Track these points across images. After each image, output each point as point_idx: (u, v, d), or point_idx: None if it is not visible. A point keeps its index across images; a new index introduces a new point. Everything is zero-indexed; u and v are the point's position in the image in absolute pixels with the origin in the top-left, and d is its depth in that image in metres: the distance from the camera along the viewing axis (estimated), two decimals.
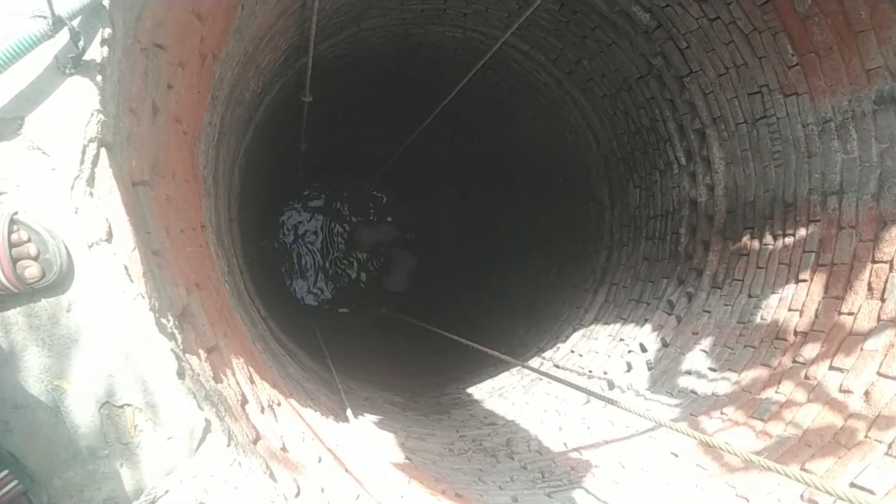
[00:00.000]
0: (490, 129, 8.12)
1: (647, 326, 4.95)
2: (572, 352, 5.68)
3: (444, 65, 6.77)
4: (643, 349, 4.82)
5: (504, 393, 5.65)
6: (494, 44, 5.74)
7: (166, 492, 1.48)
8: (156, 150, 2.13)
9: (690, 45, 4.39)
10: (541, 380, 5.45)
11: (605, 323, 5.58)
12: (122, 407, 1.53)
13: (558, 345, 5.96)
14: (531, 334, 6.71)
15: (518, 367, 5.84)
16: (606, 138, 5.86)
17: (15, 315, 1.51)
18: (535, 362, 5.98)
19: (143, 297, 1.55)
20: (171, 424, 1.54)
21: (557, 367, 5.62)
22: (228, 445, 1.60)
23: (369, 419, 4.38)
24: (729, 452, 2.17)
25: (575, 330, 5.90)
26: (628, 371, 4.79)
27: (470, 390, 6.04)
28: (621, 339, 5.15)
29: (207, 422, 1.57)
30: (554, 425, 4.52)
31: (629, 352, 4.94)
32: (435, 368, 7.50)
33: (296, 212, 11.44)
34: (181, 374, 1.56)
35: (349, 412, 3.94)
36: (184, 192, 2.52)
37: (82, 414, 1.53)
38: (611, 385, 4.76)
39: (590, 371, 5.15)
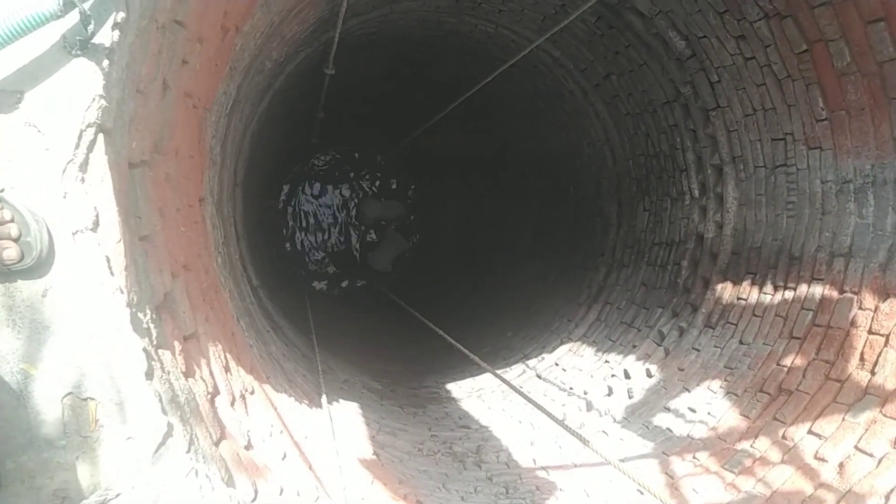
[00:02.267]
0: (508, 128, 8.04)
1: (635, 353, 4.92)
2: (556, 364, 5.66)
3: (472, 57, 6.67)
4: (627, 376, 4.80)
5: (482, 395, 5.63)
6: (525, 43, 5.64)
7: (117, 495, 1.46)
8: (161, 128, 2.08)
9: (722, 80, 4.31)
10: (521, 387, 5.44)
11: (594, 342, 5.55)
12: (85, 400, 1.50)
13: (544, 355, 5.94)
14: (519, 338, 6.69)
15: (500, 371, 5.83)
16: (623, 157, 5.79)
17: None
18: (518, 368, 5.96)
19: (122, 292, 1.52)
20: (132, 425, 1.51)
21: (539, 377, 5.61)
22: (188, 451, 1.57)
23: (344, 406, 4.37)
24: None
25: (562, 343, 5.88)
26: (609, 395, 4.77)
27: (449, 386, 6.03)
28: (606, 362, 5.13)
29: (170, 426, 1.54)
30: (526, 438, 4.51)
31: (612, 376, 4.92)
32: (418, 356, 7.49)
33: (305, 176, 11.36)
34: (149, 374, 1.53)
35: (324, 399, 3.92)
36: (185, 169, 2.47)
37: (44, 401, 1.50)
38: (589, 406, 4.74)
39: (570, 388, 5.14)
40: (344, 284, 11.41)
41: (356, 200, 11.59)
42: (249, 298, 4.34)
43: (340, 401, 4.42)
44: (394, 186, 11.86)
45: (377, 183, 11.77)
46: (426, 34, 6.38)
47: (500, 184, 9.12)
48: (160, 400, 1.53)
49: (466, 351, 4.56)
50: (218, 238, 3.39)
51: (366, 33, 6.01)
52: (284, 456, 2.49)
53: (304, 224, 11.36)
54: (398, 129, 9.83)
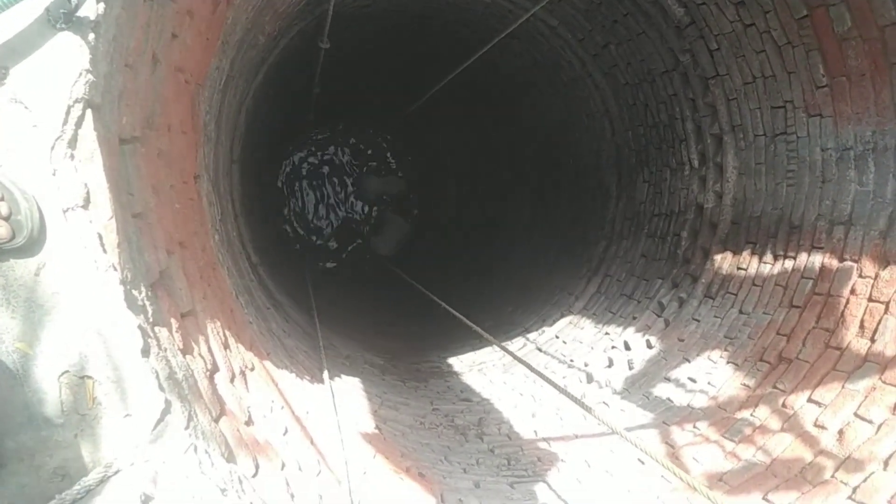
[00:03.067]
0: (507, 99, 7.96)
1: (635, 325, 4.93)
2: (557, 337, 5.68)
3: (468, 27, 6.59)
4: (627, 347, 4.81)
5: (483, 369, 5.66)
6: (522, 13, 5.57)
7: (117, 472, 1.46)
8: (152, 103, 2.06)
9: (721, 48, 4.25)
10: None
11: (594, 314, 5.56)
12: (82, 378, 1.50)
13: (544, 328, 5.95)
14: (519, 313, 6.70)
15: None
16: (622, 128, 5.74)
17: None
18: (519, 342, 5.98)
19: (115, 269, 1.50)
20: (130, 402, 1.51)
21: (540, 350, 5.62)
22: (187, 428, 1.57)
23: (346, 381, 4.38)
24: (680, 479, 2.14)
25: (563, 316, 5.88)
26: (609, 367, 4.78)
27: (451, 360, 6.05)
28: (607, 334, 5.14)
29: (168, 403, 1.54)
30: (528, 411, 4.54)
31: (612, 347, 4.93)
32: (419, 332, 7.51)
33: (302, 152, 11.29)
34: (146, 351, 1.52)
35: (326, 374, 3.93)
36: (179, 145, 2.45)
37: (41, 380, 1.49)
38: (589, 378, 4.76)
39: (571, 360, 5.15)
40: (345, 259, 11.40)
41: (355, 176, 11.53)
42: (249, 276, 4.33)
43: (342, 376, 4.44)
44: (393, 163, 11.79)
45: (376, 159, 11.70)
46: (423, 5, 6.29)
47: (498, 158, 9.06)
48: (157, 377, 1.53)
49: (470, 323, 4.56)
50: (215, 215, 3.37)
51: (361, 6, 5.93)
52: (286, 431, 2.49)
53: (303, 201, 11.32)
54: (395, 104, 9.75)
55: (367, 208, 11.60)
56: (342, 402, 3.74)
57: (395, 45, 7.95)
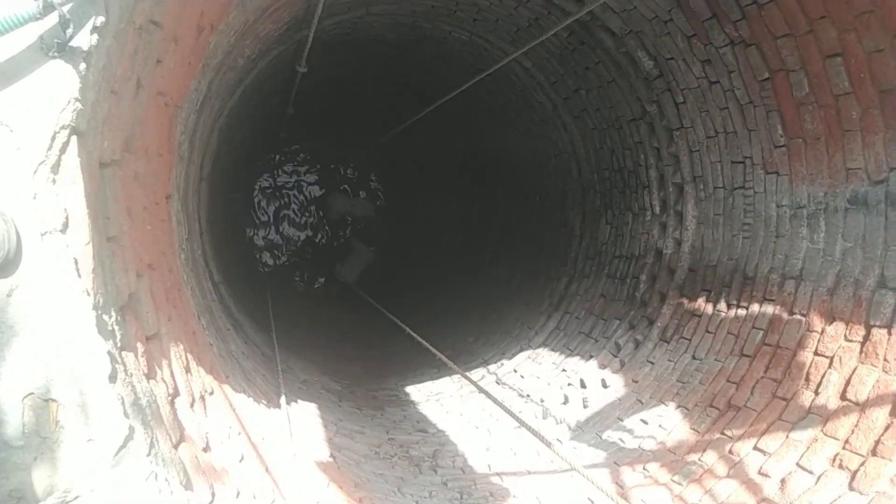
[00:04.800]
0: (478, 133, 8.10)
1: (591, 363, 5.02)
2: (515, 371, 5.74)
3: (446, 63, 6.72)
4: (583, 385, 4.90)
5: (441, 399, 5.68)
6: (499, 53, 5.73)
7: (76, 497, 1.46)
8: (132, 126, 2.08)
9: (686, 101, 4.43)
10: (478, 393, 5.50)
11: (552, 349, 5.64)
12: (46, 401, 1.50)
13: (503, 360, 6.01)
14: (479, 343, 6.76)
15: (459, 375, 5.88)
16: (589, 169, 5.89)
17: None
18: (478, 373, 6.02)
19: (88, 294, 1.52)
20: (93, 427, 1.51)
21: (498, 383, 5.68)
22: (148, 454, 1.58)
23: (303, 407, 4.37)
24: None
25: (522, 350, 5.96)
26: (564, 403, 4.86)
27: (408, 389, 6.06)
28: (564, 370, 5.22)
29: (131, 429, 1.55)
30: (482, 444, 4.57)
31: (569, 384, 5.01)
32: (378, 357, 7.50)
33: (272, 170, 11.26)
34: (113, 377, 1.53)
35: (283, 399, 3.92)
36: (154, 167, 2.46)
37: (5, 400, 1.49)
38: (545, 414, 4.82)
39: (528, 395, 5.21)
40: (307, 280, 11.34)
41: (322, 194, 11.52)
42: (211, 295, 4.32)
43: (299, 401, 4.42)
44: (360, 187, 11.83)
45: (345, 181, 11.73)
46: (401, 37, 6.40)
47: (468, 188, 9.18)
48: (122, 403, 1.54)
49: (435, 351, 4.58)
50: (182, 234, 3.37)
51: (340, 33, 6.01)
52: (242, 458, 2.49)
53: (268, 218, 11.27)
54: (369, 129, 9.83)
55: (331, 230, 11.58)
56: (298, 428, 3.73)
57: (373, 74, 8.05)
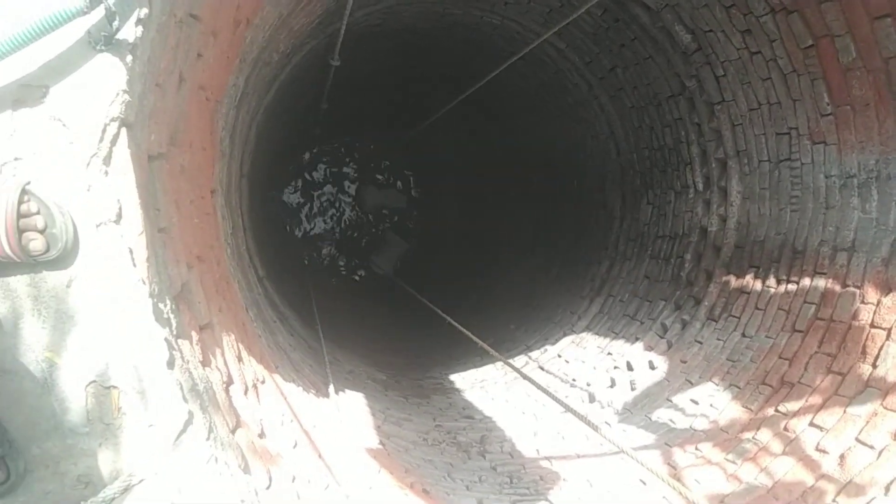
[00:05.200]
0: (512, 119, 8.05)
1: (637, 345, 4.96)
2: (559, 356, 5.71)
3: (477, 48, 6.68)
4: (629, 367, 4.84)
5: (486, 386, 5.68)
6: (531, 36, 5.66)
7: (141, 481, 1.50)
8: (176, 121, 2.11)
9: (727, 74, 4.32)
10: (523, 379, 5.48)
11: (596, 333, 5.59)
12: (108, 388, 1.54)
13: (546, 346, 5.98)
14: (521, 331, 6.73)
15: (502, 363, 5.87)
16: (628, 150, 5.81)
17: (16, 282, 1.51)
18: (520, 360, 6.00)
19: (144, 283, 1.55)
20: (154, 412, 1.55)
21: (542, 369, 5.65)
22: (208, 439, 1.61)
23: (350, 396, 4.41)
24: (686, 498, 2.17)
25: (565, 335, 5.92)
26: (611, 387, 4.81)
27: (452, 377, 6.08)
28: (609, 353, 5.17)
29: (190, 414, 1.58)
30: (529, 429, 4.56)
31: (615, 367, 4.96)
32: (421, 348, 7.53)
33: (308, 166, 11.39)
34: (171, 363, 1.56)
35: (331, 388, 3.97)
36: (198, 161, 2.50)
37: (68, 388, 1.53)
38: (591, 398, 4.79)
39: (573, 380, 5.18)
40: (347, 273, 11.45)
41: (356, 187, 11.61)
42: (256, 289, 4.38)
43: (346, 391, 4.47)
44: (395, 178, 11.88)
45: (379, 173, 11.80)
46: (431, 25, 6.39)
47: (503, 176, 9.13)
48: (181, 388, 1.57)
49: (477, 339, 4.59)
50: (227, 229, 3.42)
51: (371, 24, 6.02)
52: (295, 444, 2.53)
53: (306, 214, 11.40)
54: (403, 121, 9.85)
55: (368, 223, 11.66)
56: (346, 417, 3.77)
57: (404, 64, 8.06)
